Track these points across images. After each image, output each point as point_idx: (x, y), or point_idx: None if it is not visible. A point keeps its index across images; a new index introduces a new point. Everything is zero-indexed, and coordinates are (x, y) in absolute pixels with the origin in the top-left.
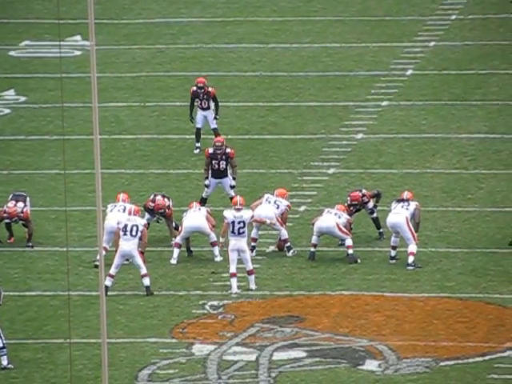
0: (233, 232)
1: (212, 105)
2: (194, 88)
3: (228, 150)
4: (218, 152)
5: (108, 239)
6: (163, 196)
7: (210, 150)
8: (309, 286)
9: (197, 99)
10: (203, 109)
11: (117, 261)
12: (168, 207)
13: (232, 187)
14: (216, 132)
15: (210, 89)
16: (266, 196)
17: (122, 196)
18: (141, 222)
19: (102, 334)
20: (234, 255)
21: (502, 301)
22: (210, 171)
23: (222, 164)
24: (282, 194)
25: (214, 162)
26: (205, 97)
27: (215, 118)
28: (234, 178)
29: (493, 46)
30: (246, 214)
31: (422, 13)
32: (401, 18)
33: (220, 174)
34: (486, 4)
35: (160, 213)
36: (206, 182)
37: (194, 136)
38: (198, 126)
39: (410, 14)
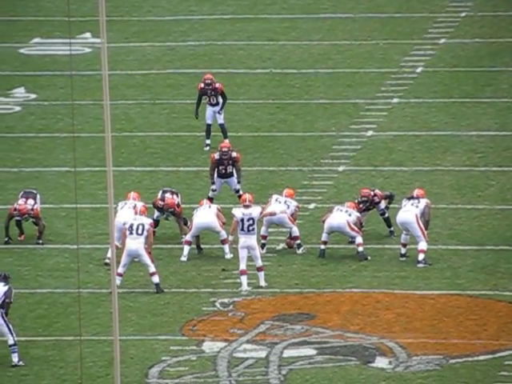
0: (242, 229)
1: (221, 100)
2: (202, 85)
3: (234, 155)
4: (225, 157)
5: (118, 237)
6: (172, 192)
7: (217, 156)
8: (319, 283)
9: (205, 96)
10: (212, 105)
11: (124, 260)
12: (178, 205)
13: (237, 191)
14: (222, 128)
15: (217, 85)
16: (275, 197)
17: (132, 194)
18: (147, 221)
19: (114, 331)
20: (243, 253)
21: None
22: (215, 174)
23: (229, 168)
24: (291, 194)
25: (220, 167)
26: (213, 93)
27: (219, 112)
28: (238, 182)
29: (503, 44)
30: (254, 211)
31: (432, 10)
32: (411, 15)
33: (226, 175)
34: (496, 1)
35: (170, 211)
36: (213, 186)
37: (204, 133)
38: (208, 121)
39: (420, 12)
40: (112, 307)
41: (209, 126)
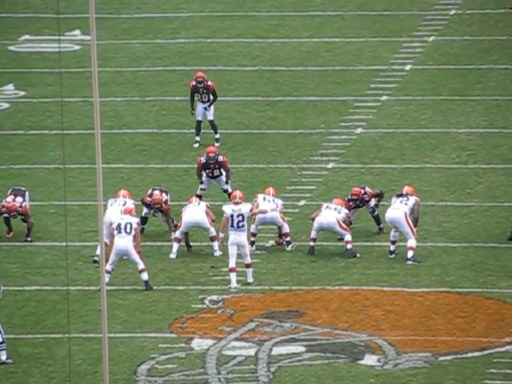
0: (232, 226)
1: (212, 98)
2: (194, 82)
3: (220, 159)
4: (211, 162)
5: (107, 234)
6: (161, 191)
7: (203, 160)
8: (308, 280)
9: (197, 93)
10: (204, 102)
11: (112, 258)
12: (165, 202)
13: (225, 191)
14: (212, 124)
15: (209, 82)
16: (262, 196)
17: (122, 192)
18: (134, 220)
19: (103, 328)
20: (233, 249)
21: (501, 295)
22: (203, 174)
23: (216, 172)
24: (275, 193)
25: (207, 171)
26: (205, 91)
27: (206, 108)
28: (227, 182)
29: (492, 41)
30: (244, 208)
31: (421, 8)
32: (400, 13)
33: (214, 177)
34: None
35: (157, 208)
36: (202, 186)
37: (193, 130)
38: (199, 118)
39: (410, 9)
40: (101, 305)
41: (199, 122)
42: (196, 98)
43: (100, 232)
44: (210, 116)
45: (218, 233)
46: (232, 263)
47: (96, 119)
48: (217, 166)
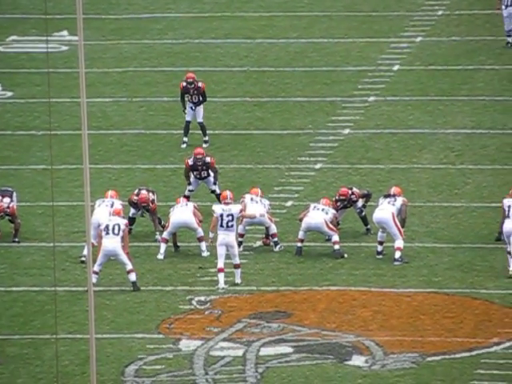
0: (221, 226)
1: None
2: (184, 83)
3: (208, 160)
4: (199, 164)
5: (95, 235)
6: (148, 190)
7: (190, 162)
8: (296, 281)
9: (187, 94)
10: (194, 103)
11: (100, 259)
12: (152, 201)
13: (213, 191)
14: (202, 126)
15: (200, 84)
16: (249, 196)
17: (110, 192)
18: (122, 221)
19: (90, 329)
20: (222, 250)
21: (489, 296)
22: (190, 177)
23: (204, 173)
24: (262, 193)
25: (195, 172)
26: (195, 92)
27: (192, 108)
28: (215, 183)
29: (479, 42)
30: (234, 208)
31: (408, 8)
32: (387, 14)
33: (202, 178)
34: (473, 0)
35: (143, 206)
36: (190, 187)
37: (181, 131)
38: (188, 118)
39: (397, 10)
40: (88, 305)
41: (188, 122)
42: (186, 99)
43: (87, 233)
44: (200, 118)
45: (208, 233)
46: (220, 264)
47: (83, 120)
48: (204, 168)
